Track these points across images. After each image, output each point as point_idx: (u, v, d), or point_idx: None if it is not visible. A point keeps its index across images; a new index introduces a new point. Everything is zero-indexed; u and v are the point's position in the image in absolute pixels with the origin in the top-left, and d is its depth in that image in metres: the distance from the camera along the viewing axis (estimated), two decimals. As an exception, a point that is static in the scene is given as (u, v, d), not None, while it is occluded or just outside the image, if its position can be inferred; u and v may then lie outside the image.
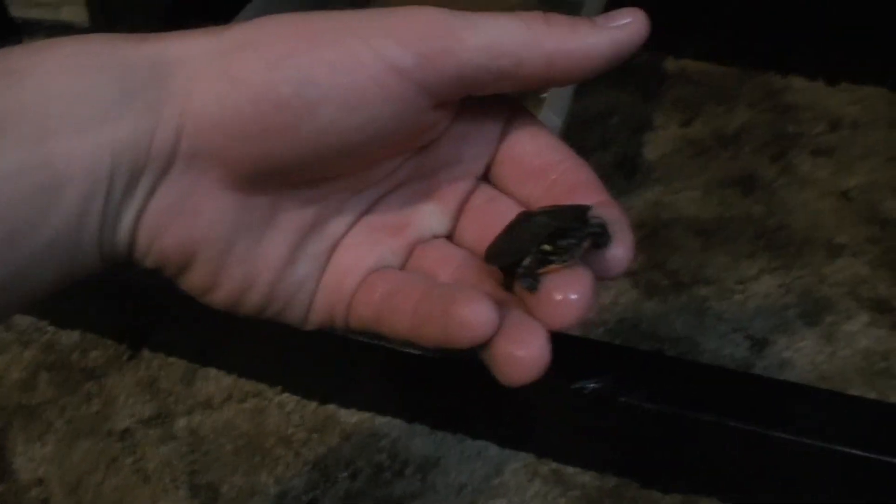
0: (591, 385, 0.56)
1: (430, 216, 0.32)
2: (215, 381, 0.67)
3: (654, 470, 0.60)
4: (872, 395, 0.63)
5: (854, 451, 0.52)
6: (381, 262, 0.31)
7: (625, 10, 0.28)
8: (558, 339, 0.63)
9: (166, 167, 0.27)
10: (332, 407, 0.65)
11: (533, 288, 0.26)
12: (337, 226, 0.31)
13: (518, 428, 0.63)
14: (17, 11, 0.96)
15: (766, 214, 0.75)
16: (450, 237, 0.32)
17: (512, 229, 0.29)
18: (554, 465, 0.61)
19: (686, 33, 0.88)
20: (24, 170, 0.24)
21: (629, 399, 0.56)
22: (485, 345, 0.26)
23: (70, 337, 0.71)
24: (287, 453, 0.62)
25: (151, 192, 0.27)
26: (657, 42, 0.95)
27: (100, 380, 0.68)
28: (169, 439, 0.64)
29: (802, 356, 0.66)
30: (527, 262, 0.26)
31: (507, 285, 0.29)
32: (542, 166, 0.30)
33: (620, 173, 0.78)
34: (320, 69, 0.26)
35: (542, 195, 0.30)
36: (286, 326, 0.67)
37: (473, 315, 0.25)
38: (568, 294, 0.26)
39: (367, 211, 0.31)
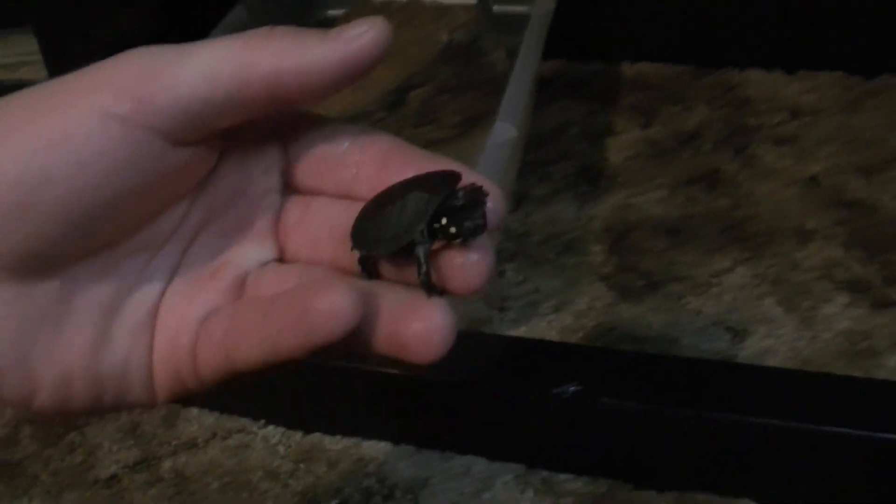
0: (572, 388, 0.56)
1: (246, 246, 0.30)
2: (198, 421, 0.66)
3: (645, 470, 0.60)
4: (858, 375, 0.63)
5: (845, 431, 0.52)
6: (209, 309, 0.28)
7: (364, 21, 0.26)
8: (536, 347, 0.63)
9: None
10: (317, 435, 0.64)
11: (436, 293, 0.25)
12: (147, 292, 0.28)
13: (504, 439, 0.62)
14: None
15: (733, 207, 0.75)
16: (281, 259, 0.30)
17: (381, 209, 0.27)
18: (545, 473, 0.60)
19: (639, 37, 0.89)
20: None
21: (610, 400, 0.55)
22: (362, 338, 0.25)
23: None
24: (274, 486, 0.62)
25: None
26: (611, 48, 0.96)
27: (82, 429, 0.67)
28: (156, 482, 0.63)
29: (783, 343, 0.65)
30: (421, 251, 0.25)
31: (369, 272, 0.28)
32: (338, 154, 0.29)
33: (584, 181, 0.79)
34: (38, 141, 0.24)
35: (353, 178, 0.29)
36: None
37: (337, 301, 0.24)
38: (468, 257, 0.26)
39: (176, 267, 0.29)
